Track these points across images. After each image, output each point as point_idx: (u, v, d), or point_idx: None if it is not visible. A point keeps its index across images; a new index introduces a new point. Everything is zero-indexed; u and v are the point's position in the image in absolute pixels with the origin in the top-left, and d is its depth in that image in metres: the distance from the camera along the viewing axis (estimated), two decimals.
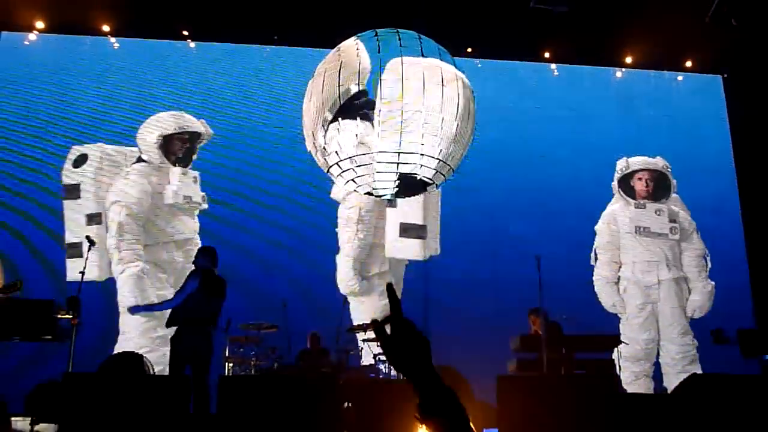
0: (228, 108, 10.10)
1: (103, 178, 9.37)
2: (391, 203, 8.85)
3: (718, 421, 4.50)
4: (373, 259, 9.49)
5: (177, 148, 9.52)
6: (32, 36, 10.00)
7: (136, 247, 9.12)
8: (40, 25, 9.89)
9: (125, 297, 8.86)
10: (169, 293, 8.85)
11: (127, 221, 9.13)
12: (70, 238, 9.20)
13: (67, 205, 9.33)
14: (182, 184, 9.40)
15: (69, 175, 9.40)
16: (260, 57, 10.49)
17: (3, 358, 6.46)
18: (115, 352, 8.22)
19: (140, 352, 7.98)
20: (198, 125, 9.61)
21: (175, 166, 9.49)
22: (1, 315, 6.07)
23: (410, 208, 9.42)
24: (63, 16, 9.78)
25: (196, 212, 9.54)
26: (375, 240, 9.49)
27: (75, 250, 9.02)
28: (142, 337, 8.63)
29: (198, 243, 9.23)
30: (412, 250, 9.49)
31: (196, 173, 9.59)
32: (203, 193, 9.56)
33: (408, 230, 9.40)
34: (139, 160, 9.45)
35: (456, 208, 10.03)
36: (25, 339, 6.44)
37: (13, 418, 4.58)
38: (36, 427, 5.24)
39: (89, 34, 10.09)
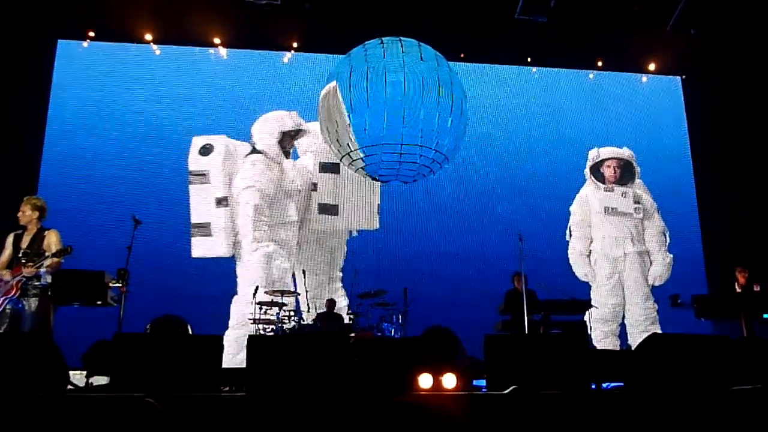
0: (255, 106, 10.03)
1: (228, 165, 9.34)
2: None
3: (675, 373, 4.49)
4: (304, 230, 9.59)
5: (287, 143, 9.51)
6: (85, 44, 9.94)
7: (266, 228, 9.13)
8: (91, 34, 9.84)
9: (254, 272, 8.82)
10: (289, 267, 9.06)
11: (260, 204, 9.11)
12: (196, 219, 9.20)
13: (195, 189, 9.28)
14: (293, 173, 9.41)
15: (197, 162, 9.34)
16: (281, 62, 10.41)
17: (62, 322, 6.47)
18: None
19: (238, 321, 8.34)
20: (306, 124, 9.58)
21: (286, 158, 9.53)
22: (59, 283, 6.09)
23: (326, 191, 9.55)
24: (111, 25, 9.72)
25: None
26: (305, 215, 9.57)
27: (201, 230, 9.12)
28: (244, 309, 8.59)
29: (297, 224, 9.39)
30: (328, 224, 9.53)
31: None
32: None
33: (324, 209, 9.48)
34: (254, 151, 9.40)
35: (450, 192, 10.03)
36: (81, 304, 6.47)
37: (71, 372, 4.59)
38: (90, 379, 5.28)
39: (133, 42, 10.01)
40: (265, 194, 9.18)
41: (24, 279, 5.89)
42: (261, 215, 9.11)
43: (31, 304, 5.88)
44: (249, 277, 8.80)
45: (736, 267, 8.66)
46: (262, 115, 9.72)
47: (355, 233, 9.69)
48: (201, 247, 9.14)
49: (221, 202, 9.20)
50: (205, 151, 9.33)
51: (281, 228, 9.28)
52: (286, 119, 9.55)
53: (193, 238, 9.14)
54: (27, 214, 6.17)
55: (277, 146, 9.43)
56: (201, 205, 9.23)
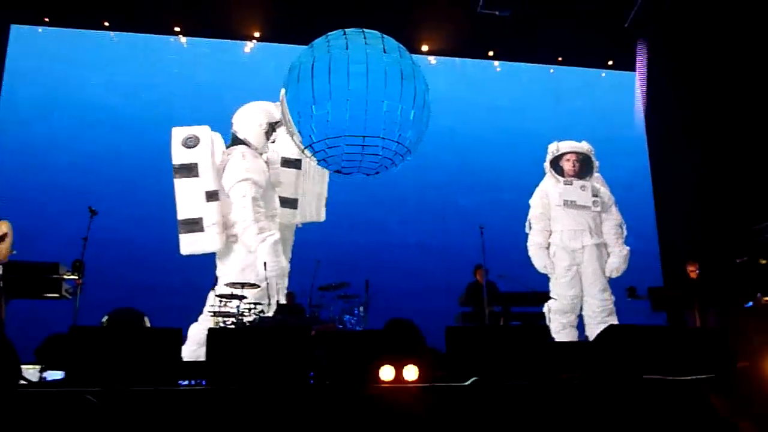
0: (214, 97, 9.89)
1: (215, 157, 9.01)
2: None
3: (630, 363, 4.58)
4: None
5: (270, 134, 9.30)
6: (40, 29, 9.66)
7: (264, 219, 8.90)
8: (46, 19, 9.57)
9: (268, 261, 8.53)
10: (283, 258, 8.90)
11: (258, 196, 8.89)
12: (184, 214, 8.80)
13: (181, 183, 8.85)
14: (278, 165, 9.22)
15: (182, 155, 8.89)
16: (242, 52, 10.27)
17: (15, 315, 6.30)
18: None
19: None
20: None
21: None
22: (12, 275, 5.92)
23: (287, 185, 9.41)
24: (67, 11, 9.48)
25: None
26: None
27: (190, 226, 8.74)
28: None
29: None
30: (286, 217, 9.43)
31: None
32: None
33: (285, 202, 9.35)
34: (236, 141, 9.10)
35: (413, 184, 10.05)
36: (34, 297, 6.31)
37: (23, 366, 4.48)
38: (44, 374, 5.14)
39: (91, 28, 9.76)
40: (259, 186, 8.98)
41: None
42: (258, 207, 8.91)
43: None
44: (260, 266, 8.52)
45: (686, 262, 8.83)
46: (218, 103, 9.64)
47: (300, 225, 9.61)
48: (191, 244, 8.78)
49: (212, 196, 8.86)
50: (192, 143, 8.94)
51: (271, 220, 9.12)
52: (274, 110, 9.37)
53: (181, 235, 8.77)
54: None
55: (264, 137, 9.25)
56: (189, 200, 8.84)
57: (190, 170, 8.88)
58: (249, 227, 8.78)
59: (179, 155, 8.95)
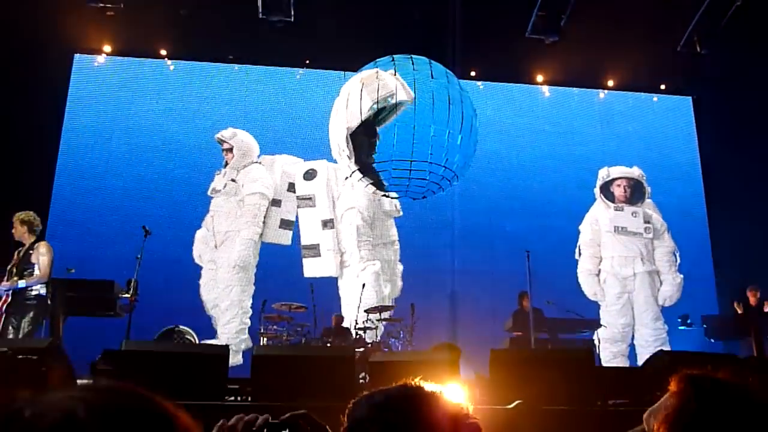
0: (267, 121, 10.18)
1: (331, 189, 9.77)
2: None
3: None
4: None
5: None
6: (100, 58, 10.12)
7: (371, 248, 9.56)
8: (107, 48, 10.02)
9: (366, 290, 8.88)
10: (387, 288, 9.44)
11: (362, 224, 9.56)
12: (306, 240, 9.61)
13: (303, 213, 9.73)
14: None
15: (303, 187, 9.79)
16: (293, 78, 10.54)
17: (71, 331, 6.53)
18: None
19: None
20: None
21: None
22: (70, 293, 6.16)
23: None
24: (127, 41, 9.90)
25: None
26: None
27: (311, 251, 9.54)
28: None
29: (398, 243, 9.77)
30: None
31: None
32: None
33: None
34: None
35: (460, 209, 10.05)
36: (91, 314, 6.54)
37: (79, 380, 4.65)
38: None
39: (149, 57, 10.18)
40: (367, 214, 9.58)
41: (7, 291, 5.92)
42: (363, 235, 9.50)
43: (26, 315, 5.88)
44: (359, 294, 8.74)
45: (748, 286, 8.57)
46: (269, 129, 10.00)
47: None
48: (312, 267, 9.49)
49: (327, 224, 9.60)
50: (310, 176, 9.78)
51: (383, 248, 9.65)
52: None
53: (304, 259, 9.51)
54: (18, 230, 6.21)
55: None
56: (309, 228, 9.64)
57: (309, 200, 9.72)
58: (354, 254, 9.40)
59: (301, 187, 9.79)
